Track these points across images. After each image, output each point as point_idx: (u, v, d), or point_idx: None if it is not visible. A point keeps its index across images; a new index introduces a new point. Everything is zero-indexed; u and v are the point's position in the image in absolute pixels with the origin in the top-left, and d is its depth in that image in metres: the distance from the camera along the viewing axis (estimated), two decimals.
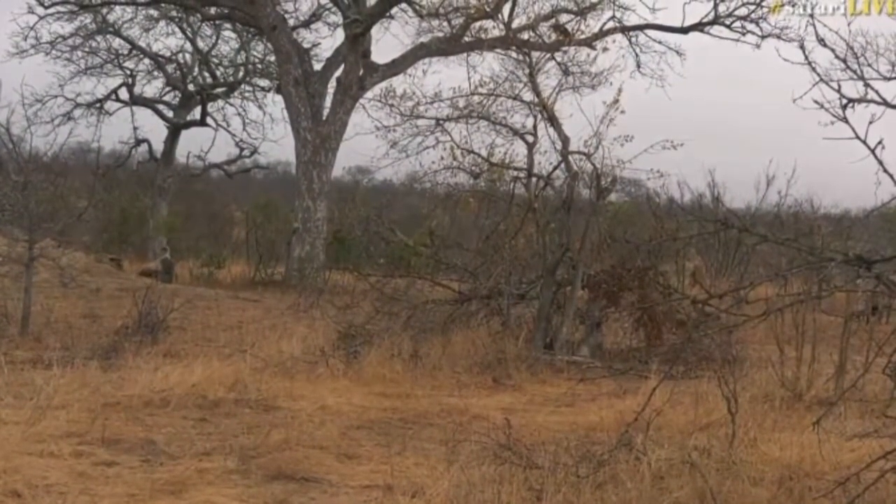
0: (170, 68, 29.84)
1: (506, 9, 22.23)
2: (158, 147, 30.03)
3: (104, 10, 26.90)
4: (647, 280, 13.27)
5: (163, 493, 5.98)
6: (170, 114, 29.98)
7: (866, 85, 6.42)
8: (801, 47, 6.35)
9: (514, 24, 21.80)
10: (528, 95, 16.07)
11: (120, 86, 29.37)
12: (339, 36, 24.46)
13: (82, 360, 10.16)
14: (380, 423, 8.50)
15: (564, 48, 20.75)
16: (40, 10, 24.99)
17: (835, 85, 6.17)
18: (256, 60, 29.34)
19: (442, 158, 16.14)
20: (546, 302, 12.99)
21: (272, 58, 26.53)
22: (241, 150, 30.58)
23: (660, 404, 6.55)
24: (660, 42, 23.52)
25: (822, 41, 6.52)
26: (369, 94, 22.13)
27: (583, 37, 21.60)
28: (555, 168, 14.67)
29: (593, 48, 21.38)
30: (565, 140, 14.61)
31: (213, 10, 26.10)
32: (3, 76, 29.28)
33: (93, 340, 11.92)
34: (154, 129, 30.46)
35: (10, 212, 13.09)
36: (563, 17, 22.51)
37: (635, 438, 6.27)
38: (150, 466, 6.61)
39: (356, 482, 6.46)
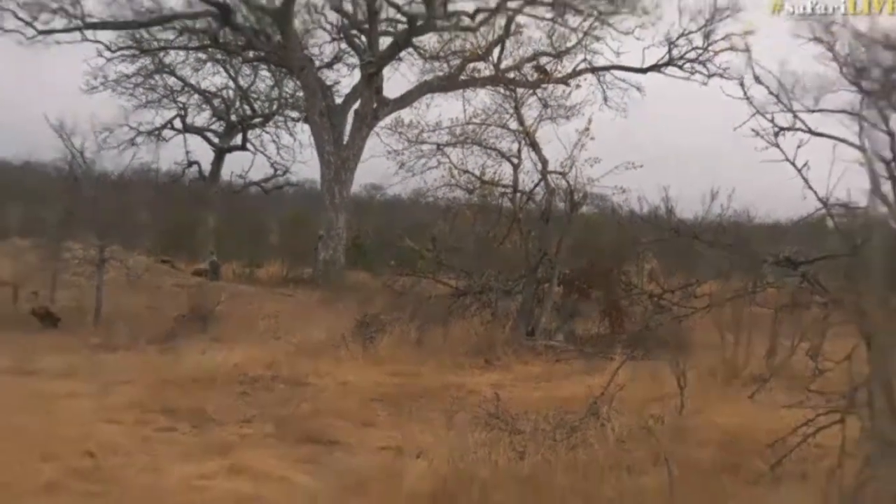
0: (216, 102, 29.82)
1: (495, 52, 22.48)
2: (207, 168, 30.02)
3: (161, 54, 26.91)
4: (612, 278, 13.31)
5: (212, 453, 6.03)
6: (216, 140, 29.97)
7: (795, 116, 6.48)
8: (741, 85, 6.41)
9: (502, 66, 21.99)
10: (513, 125, 16.22)
11: (174, 117, 29.34)
12: (357, 75, 24.54)
13: (144, 344, 10.19)
14: (391, 396, 8.53)
15: (544, 85, 20.80)
16: (107, 54, 24.97)
17: (769, 116, 6.23)
18: (288, 95, 29.26)
19: (442, 177, 16.32)
20: (528, 296, 13.03)
21: (301, 93, 26.48)
22: (276, 170, 30.53)
23: (622, 381, 6.55)
24: (623, 80, 23.60)
25: (757, 79, 6.57)
26: (382, 124, 22.17)
27: (559, 76, 21.76)
28: (536, 185, 14.76)
29: (568, 85, 21.43)
30: (544, 162, 14.71)
31: (251, 54, 26.15)
32: (78, 109, 29.25)
33: (153, 328, 11.95)
34: (203, 153, 30.33)
35: (84, 221, 13.13)
36: (543, 60, 22.60)
37: (602, 409, 6.30)
38: (201, 431, 6.66)
39: (372, 445, 6.51)
